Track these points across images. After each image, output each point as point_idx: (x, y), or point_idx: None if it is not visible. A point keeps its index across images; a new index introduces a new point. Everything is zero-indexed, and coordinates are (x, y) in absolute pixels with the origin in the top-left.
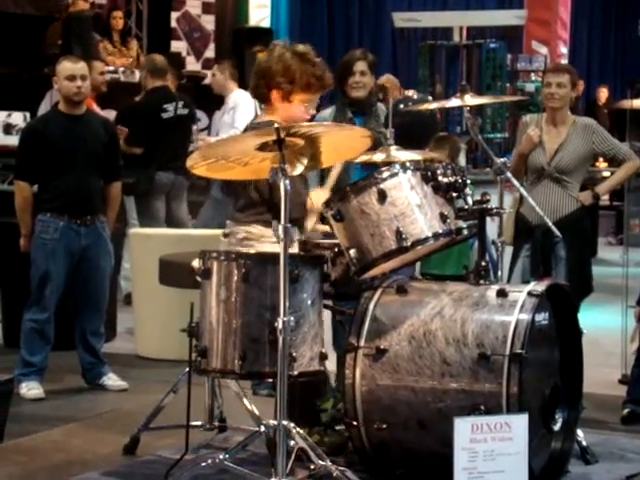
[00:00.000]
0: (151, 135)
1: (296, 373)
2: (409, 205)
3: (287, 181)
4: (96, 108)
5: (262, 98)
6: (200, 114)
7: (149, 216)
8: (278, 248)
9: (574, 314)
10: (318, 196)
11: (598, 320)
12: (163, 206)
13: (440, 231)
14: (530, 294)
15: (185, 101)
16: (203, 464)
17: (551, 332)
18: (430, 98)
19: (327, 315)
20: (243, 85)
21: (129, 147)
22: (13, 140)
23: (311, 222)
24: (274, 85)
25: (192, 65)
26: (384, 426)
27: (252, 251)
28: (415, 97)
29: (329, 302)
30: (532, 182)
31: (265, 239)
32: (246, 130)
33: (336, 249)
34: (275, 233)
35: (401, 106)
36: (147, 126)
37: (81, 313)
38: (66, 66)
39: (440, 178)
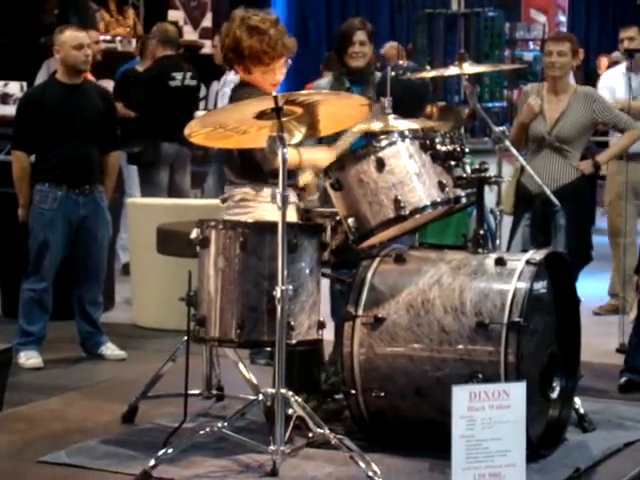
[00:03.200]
0: (158, 103)
1: (294, 342)
2: (407, 174)
3: (285, 149)
4: (90, 77)
5: (232, 69)
6: None
7: (152, 186)
8: (274, 210)
9: (572, 282)
10: (324, 154)
11: (596, 289)
12: (166, 176)
13: (438, 199)
14: (528, 262)
15: (193, 73)
16: (202, 432)
17: (549, 300)
18: (428, 67)
19: (325, 284)
20: None
21: (125, 110)
22: (10, 110)
23: (305, 176)
24: (230, 59)
25: (189, 34)
26: (382, 394)
27: (250, 212)
28: (406, 65)
29: (328, 271)
30: (533, 151)
31: (261, 199)
32: (230, 100)
33: (337, 217)
34: (272, 200)
35: (392, 73)
36: (153, 93)
37: (79, 282)
38: (73, 35)
39: (438, 147)
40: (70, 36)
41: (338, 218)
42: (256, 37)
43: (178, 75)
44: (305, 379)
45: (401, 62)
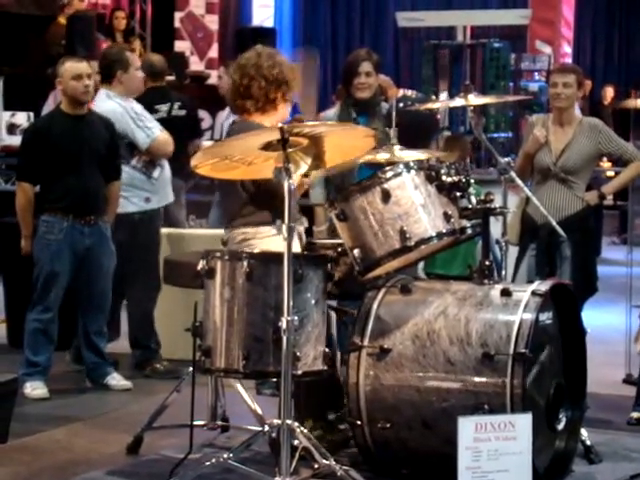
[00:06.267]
0: None
1: (300, 373)
2: (413, 204)
3: (291, 181)
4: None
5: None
6: (203, 114)
7: None
8: (277, 242)
9: (578, 313)
10: None
11: (602, 319)
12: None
13: (444, 230)
14: (534, 293)
15: (183, 102)
16: (207, 463)
17: (555, 331)
18: (433, 97)
19: (333, 314)
20: None
21: None
22: (17, 140)
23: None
24: (237, 105)
25: (196, 65)
26: (388, 425)
27: (254, 249)
28: (414, 96)
29: (333, 302)
30: (538, 182)
31: (261, 234)
32: (228, 135)
33: (339, 249)
34: (279, 232)
35: (400, 105)
36: None
37: (85, 313)
38: (72, 66)
39: (444, 177)
40: (70, 67)
41: (340, 250)
42: (260, 80)
43: (163, 107)
44: (311, 406)
45: (409, 93)
